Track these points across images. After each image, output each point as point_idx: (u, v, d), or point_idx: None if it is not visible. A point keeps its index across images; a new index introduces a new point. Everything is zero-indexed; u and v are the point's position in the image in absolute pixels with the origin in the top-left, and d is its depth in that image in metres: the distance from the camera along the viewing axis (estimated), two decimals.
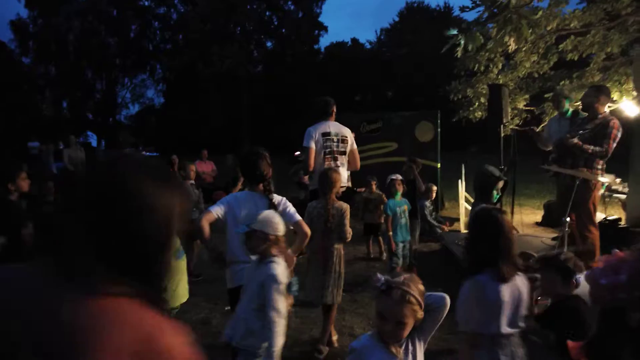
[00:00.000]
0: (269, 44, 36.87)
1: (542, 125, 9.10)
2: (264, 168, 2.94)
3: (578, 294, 2.33)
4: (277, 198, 2.96)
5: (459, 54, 6.68)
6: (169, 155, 11.50)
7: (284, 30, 36.61)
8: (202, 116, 32.15)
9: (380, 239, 6.40)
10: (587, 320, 2.17)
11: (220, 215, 2.84)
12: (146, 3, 34.18)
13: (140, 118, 41.42)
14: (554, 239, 6.36)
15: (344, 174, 4.48)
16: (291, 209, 3.00)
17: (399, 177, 4.95)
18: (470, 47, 5.64)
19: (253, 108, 32.32)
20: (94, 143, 30.36)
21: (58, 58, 32.35)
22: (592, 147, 4.57)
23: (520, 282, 2.22)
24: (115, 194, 0.87)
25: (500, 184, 3.22)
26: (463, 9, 5.44)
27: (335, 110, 4.74)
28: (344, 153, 4.61)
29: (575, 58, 8.63)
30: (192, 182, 5.99)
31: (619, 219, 6.33)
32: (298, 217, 3.00)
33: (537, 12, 6.57)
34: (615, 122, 4.63)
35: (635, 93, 6.39)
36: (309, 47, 39.29)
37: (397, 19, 45.88)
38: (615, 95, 7.57)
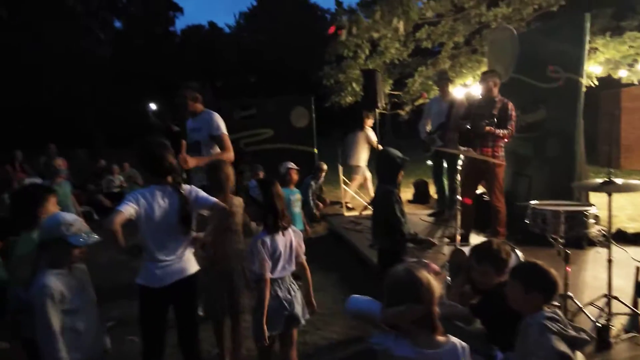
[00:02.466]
0: (117, 24, 33.59)
1: (408, 108, 9.81)
2: (171, 159, 2.65)
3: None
4: (185, 189, 2.70)
5: (344, 36, 6.74)
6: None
7: (133, 9, 33.62)
8: (42, 106, 27.97)
9: None
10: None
11: (132, 215, 2.47)
12: None
13: None
14: (430, 215, 6.90)
15: None
16: (201, 193, 2.75)
17: (294, 165, 4.80)
18: (354, 30, 5.71)
19: (103, 96, 29.18)
20: None
21: None
22: (502, 131, 4.97)
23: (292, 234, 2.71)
24: None
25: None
26: None
27: None
28: None
29: (430, 46, 9.39)
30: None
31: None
32: (212, 198, 2.77)
33: None
34: (512, 105, 5.07)
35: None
36: (164, 30, 36.81)
37: (255, 3, 45.40)
38: (469, 79, 8.44)
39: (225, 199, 3.16)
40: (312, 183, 7.66)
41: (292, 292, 2.68)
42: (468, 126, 5.11)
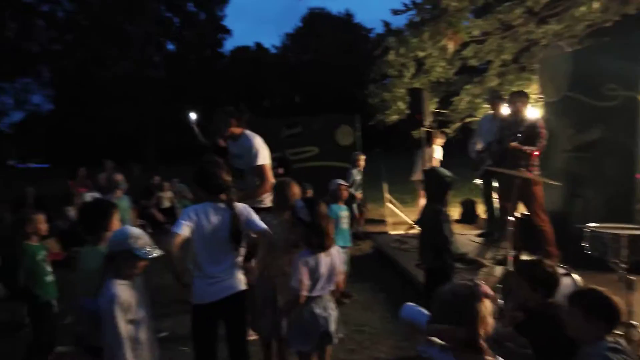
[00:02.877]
0: (170, 46, 35.19)
1: (454, 127, 9.68)
2: (225, 177, 2.75)
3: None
4: (238, 207, 2.77)
5: (392, 56, 6.81)
6: (61, 166, 10.39)
7: (185, 33, 35.15)
8: (101, 124, 29.67)
9: None
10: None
11: (188, 234, 2.61)
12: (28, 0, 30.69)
13: (26, 126, 37.21)
14: (479, 235, 6.73)
15: None
16: (253, 215, 2.82)
17: (344, 182, 4.86)
18: (401, 51, 5.77)
19: (156, 115, 30.50)
20: None
21: None
22: (530, 148, 4.97)
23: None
24: None
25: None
26: (396, 12, 5.54)
27: None
28: None
29: (476, 64, 9.28)
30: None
31: None
32: (263, 225, 2.82)
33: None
34: (541, 122, 5.09)
35: (538, 95, 6.98)
36: (212, 51, 38.23)
37: (300, 24, 46.46)
38: None
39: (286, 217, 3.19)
40: (354, 172, 7.68)
41: (329, 310, 2.72)
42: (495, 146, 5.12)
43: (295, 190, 3.27)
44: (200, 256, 2.69)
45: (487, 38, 8.86)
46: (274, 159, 4.33)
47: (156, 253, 2.41)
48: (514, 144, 4.88)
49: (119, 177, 5.55)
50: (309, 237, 2.67)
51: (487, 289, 1.67)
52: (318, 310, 2.66)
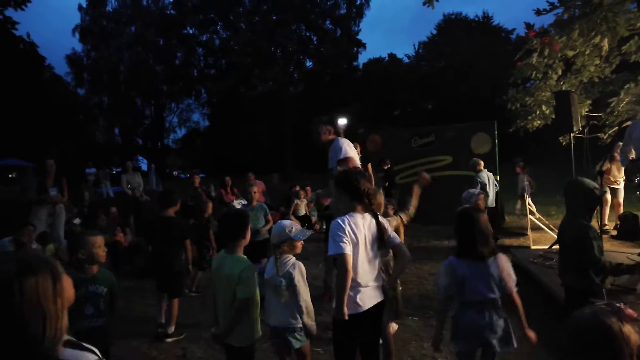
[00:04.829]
0: (308, 63, 37.24)
1: (611, 131, 8.63)
2: (368, 186, 2.81)
3: None
4: (381, 218, 2.82)
5: (535, 59, 6.39)
6: (214, 176, 11.65)
7: (323, 50, 36.86)
8: (246, 137, 32.82)
9: None
10: None
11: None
12: (190, 31, 35.47)
13: (187, 141, 42.84)
14: None
15: None
16: (391, 229, 2.86)
17: (481, 192, 4.62)
18: (546, 52, 5.38)
19: (295, 128, 32.59)
20: (144, 167, 31.44)
21: (110, 88, 34.02)
22: None
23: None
24: None
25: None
26: (539, 12, 5.18)
27: None
28: None
29: None
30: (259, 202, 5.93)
31: None
32: (399, 239, 2.84)
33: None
34: None
35: None
36: (348, 65, 39.41)
37: (434, 32, 45.49)
38: None
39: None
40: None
41: (489, 319, 2.63)
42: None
43: (380, 200, 3.33)
44: (358, 265, 2.68)
45: None
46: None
47: (308, 234, 3.05)
48: None
49: (254, 189, 6.01)
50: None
51: (631, 312, 1.48)
52: (475, 317, 2.61)
